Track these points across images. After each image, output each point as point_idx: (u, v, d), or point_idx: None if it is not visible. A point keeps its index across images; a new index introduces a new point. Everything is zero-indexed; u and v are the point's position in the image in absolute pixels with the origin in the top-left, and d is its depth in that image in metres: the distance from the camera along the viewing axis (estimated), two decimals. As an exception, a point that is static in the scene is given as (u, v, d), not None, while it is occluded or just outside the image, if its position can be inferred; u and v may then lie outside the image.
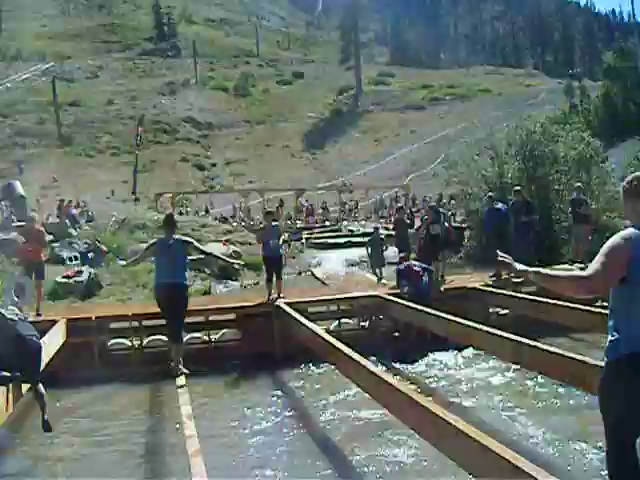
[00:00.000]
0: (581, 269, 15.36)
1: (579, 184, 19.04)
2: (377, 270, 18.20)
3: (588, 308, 11.65)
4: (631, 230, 4.16)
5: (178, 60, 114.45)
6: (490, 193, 18.25)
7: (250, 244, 26.23)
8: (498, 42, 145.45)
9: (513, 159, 26.57)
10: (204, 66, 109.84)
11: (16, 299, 8.50)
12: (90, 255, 22.65)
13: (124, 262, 13.19)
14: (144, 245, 20.73)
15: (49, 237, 14.57)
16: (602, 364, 4.32)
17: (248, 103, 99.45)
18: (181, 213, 41.34)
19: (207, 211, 48.05)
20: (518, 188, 17.30)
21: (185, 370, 9.92)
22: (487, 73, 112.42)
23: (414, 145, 78.52)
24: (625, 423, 4.07)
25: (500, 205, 16.23)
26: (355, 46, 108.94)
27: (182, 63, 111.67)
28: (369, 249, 18.69)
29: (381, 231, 19.53)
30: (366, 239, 20.14)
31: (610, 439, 4.17)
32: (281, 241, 14.51)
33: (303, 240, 32.41)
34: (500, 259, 4.81)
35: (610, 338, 4.18)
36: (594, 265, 4.09)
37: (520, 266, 4.72)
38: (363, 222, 39.97)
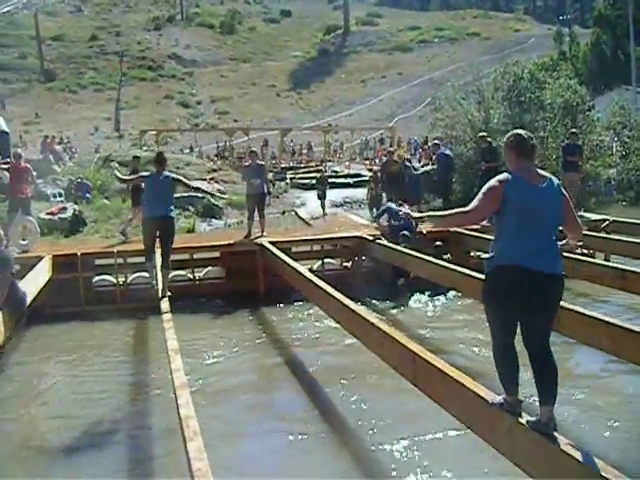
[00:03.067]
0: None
1: (574, 130, 18.77)
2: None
3: (569, 254, 11.86)
4: (506, 174, 4.93)
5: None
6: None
7: (235, 183, 26.27)
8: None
9: (499, 104, 26.57)
10: (190, 2, 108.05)
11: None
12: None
13: (118, 174, 13.28)
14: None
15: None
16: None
17: (234, 41, 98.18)
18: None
19: (192, 149, 47.77)
20: (483, 134, 17.28)
21: (169, 292, 10.26)
22: (475, 17, 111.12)
23: (401, 87, 77.96)
24: (500, 326, 4.98)
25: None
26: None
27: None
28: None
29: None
30: (350, 180, 20.63)
31: (493, 340, 5.07)
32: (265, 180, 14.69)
33: (287, 180, 32.44)
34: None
35: (488, 255, 5.03)
36: (475, 202, 4.91)
37: (416, 214, 5.91)
38: (347, 163, 39.94)
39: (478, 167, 16.89)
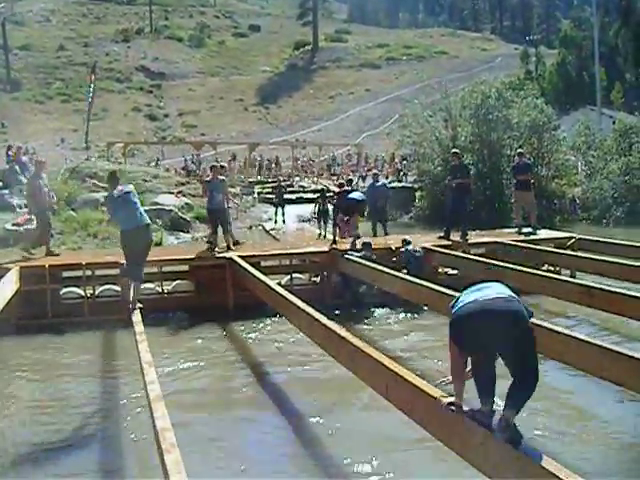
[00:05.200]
0: (530, 233, 15.87)
1: (520, 150, 19.04)
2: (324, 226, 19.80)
3: (536, 272, 12.04)
4: None
5: (132, 7, 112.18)
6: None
7: (203, 196, 26.16)
8: (457, 4, 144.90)
9: (467, 122, 26.88)
10: (159, 14, 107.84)
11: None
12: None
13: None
14: (95, 195, 20.78)
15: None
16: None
17: (203, 54, 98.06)
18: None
19: (158, 162, 47.56)
20: (455, 151, 17.35)
21: (140, 305, 10.30)
22: (443, 35, 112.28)
23: (368, 104, 78.40)
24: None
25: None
26: (313, 1, 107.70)
27: (137, 10, 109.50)
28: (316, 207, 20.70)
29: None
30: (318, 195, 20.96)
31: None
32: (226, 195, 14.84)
33: (255, 194, 32.45)
34: None
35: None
36: None
37: None
38: (315, 179, 40.03)
39: (445, 184, 16.98)
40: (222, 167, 16.40)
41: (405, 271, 12.86)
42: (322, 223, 20.49)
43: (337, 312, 12.17)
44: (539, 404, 7.68)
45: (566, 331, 7.75)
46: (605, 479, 6.57)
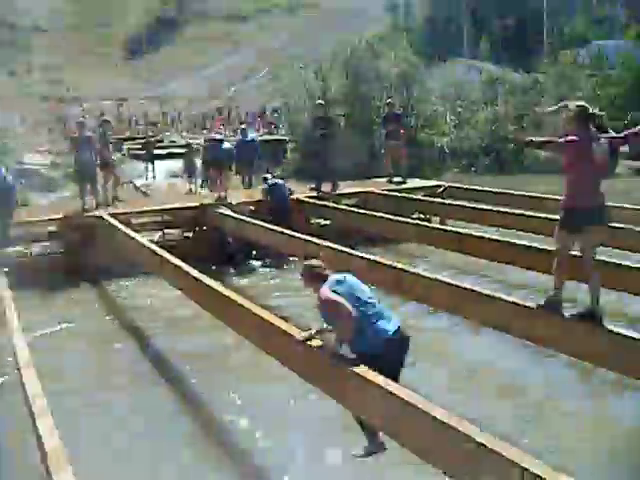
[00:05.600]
0: (401, 182, 16.11)
1: (389, 100, 19.18)
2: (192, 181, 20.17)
3: (407, 220, 12.22)
4: None
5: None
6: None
7: (70, 154, 25.33)
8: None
9: (337, 74, 26.92)
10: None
11: None
12: None
13: None
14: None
15: None
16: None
17: (69, 8, 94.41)
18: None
19: (22, 120, 45.62)
20: (320, 102, 17.17)
21: (5, 268, 10.05)
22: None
23: (238, 56, 77.59)
24: None
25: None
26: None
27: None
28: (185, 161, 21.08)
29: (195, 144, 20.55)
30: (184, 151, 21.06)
31: None
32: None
33: (124, 151, 31.71)
34: None
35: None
36: None
37: None
38: (185, 133, 39.43)
39: (312, 135, 16.73)
40: (107, 122, 16.23)
41: (272, 218, 12.93)
42: (190, 178, 20.75)
43: (213, 267, 12.09)
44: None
45: (432, 275, 7.95)
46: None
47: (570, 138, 6.02)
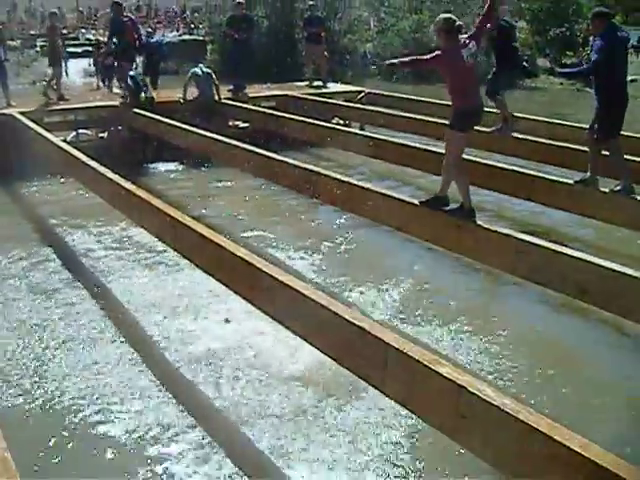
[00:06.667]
0: (321, 86, 15.96)
1: (311, 2, 18.80)
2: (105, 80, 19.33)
3: (326, 124, 12.16)
4: None
5: None
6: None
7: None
8: None
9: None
10: None
11: None
12: None
13: None
14: None
15: None
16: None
17: None
18: None
19: None
20: (239, 0, 15.64)
21: None
22: None
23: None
24: None
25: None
26: None
27: None
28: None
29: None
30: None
31: None
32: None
33: (37, 48, 30.56)
34: None
35: None
36: None
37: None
38: (101, 31, 38.06)
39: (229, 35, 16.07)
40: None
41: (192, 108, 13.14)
42: (99, 75, 20.38)
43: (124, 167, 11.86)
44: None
45: (348, 179, 8.01)
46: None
47: (434, 54, 6.40)
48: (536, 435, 3.22)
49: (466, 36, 6.41)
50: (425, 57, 6.55)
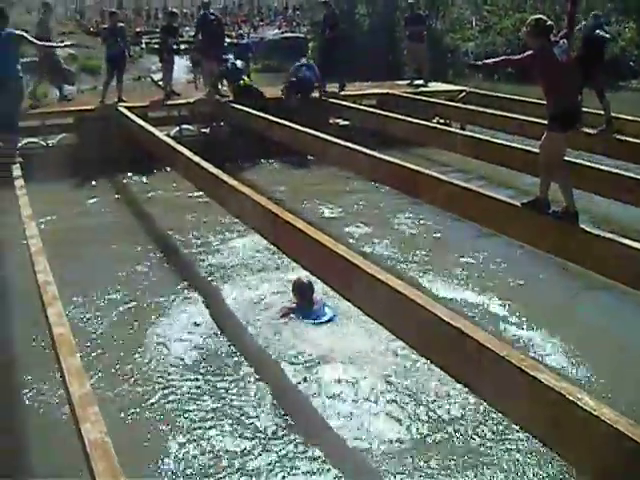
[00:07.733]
0: (422, 85, 15.84)
1: (412, 0, 18.64)
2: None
3: (426, 123, 12.03)
4: None
5: None
6: None
7: (87, 47, 25.04)
8: None
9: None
10: None
11: None
12: None
13: None
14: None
15: None
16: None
17: None
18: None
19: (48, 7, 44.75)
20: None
21: (20, 159, 9.68)
22: None
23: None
24: None
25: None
26: None
27: None
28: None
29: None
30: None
31: None
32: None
33: (143, 45, 31.29)
34: None
35: None
36: None
37: None
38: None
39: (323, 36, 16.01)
40: (115, 14, 16.34)
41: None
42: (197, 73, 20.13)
43: (226, 164, 12.01)
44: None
45: (449, 179, 7.90)
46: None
47: (526, 54, 6.27)
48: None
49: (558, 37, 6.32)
50: (517, 57, 6.56)
